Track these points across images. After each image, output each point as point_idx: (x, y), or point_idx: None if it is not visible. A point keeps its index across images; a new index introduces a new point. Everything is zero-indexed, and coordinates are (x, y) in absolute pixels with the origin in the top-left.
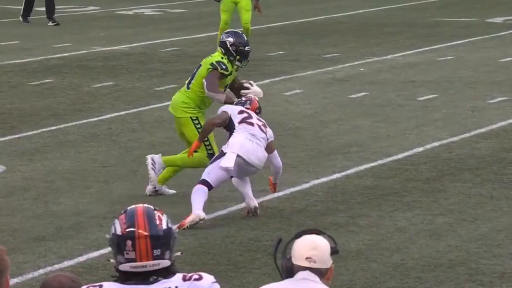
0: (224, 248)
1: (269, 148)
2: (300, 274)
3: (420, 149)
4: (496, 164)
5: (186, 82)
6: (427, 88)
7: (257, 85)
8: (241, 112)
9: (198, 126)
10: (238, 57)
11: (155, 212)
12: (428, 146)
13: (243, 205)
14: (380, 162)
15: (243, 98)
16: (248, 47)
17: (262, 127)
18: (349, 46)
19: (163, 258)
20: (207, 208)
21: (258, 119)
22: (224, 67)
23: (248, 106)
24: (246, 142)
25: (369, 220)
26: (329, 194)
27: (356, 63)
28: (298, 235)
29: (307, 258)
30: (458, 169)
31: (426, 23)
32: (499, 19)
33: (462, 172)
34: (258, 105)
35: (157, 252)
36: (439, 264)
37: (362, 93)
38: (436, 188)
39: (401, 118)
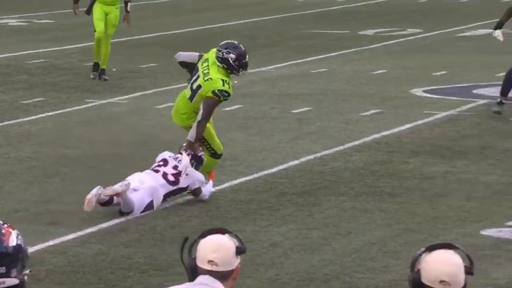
0: (95, 266)
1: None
2: (199, 279)
3: (295, 162)
4: (369, 177)
5: (188, 94)
6: (301, 101)
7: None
8: (159, 163)
9: None
10: (241, 69)
11: (3, 227)
12: (303, 159)
13: (115, 221)
14: (254, 175)
15: (179, 156)
16: (247, 56)
17: (170, 176)
18: None
19: (9, 276)
20: (77, 226)
21: (173, 167)
22: (226, 94)
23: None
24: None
25: (244, 235)
26: (203, 209)
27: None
28: (203, 235)
29: (209, 261)
30: (332, 182)
31: (299, 35)
32: (370, 32)
33: (337, 185)
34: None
35: (1, 269)
36: (314, 278)
37: (236, 106)
38: (311, 202)
39: (275, 131)
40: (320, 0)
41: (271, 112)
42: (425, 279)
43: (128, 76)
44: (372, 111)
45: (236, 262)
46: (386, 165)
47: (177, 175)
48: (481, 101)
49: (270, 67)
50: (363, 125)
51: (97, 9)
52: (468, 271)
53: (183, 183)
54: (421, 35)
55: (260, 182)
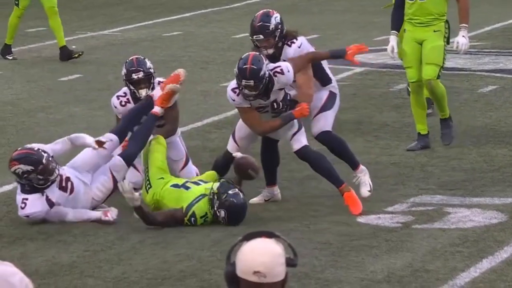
0: None
1: None
2: None
3: None
4: None
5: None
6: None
7: None
8: None
9: None
10: None
11: None
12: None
13: None
14: None
15: None
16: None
17: None
18: None
19: None
20: None
21: None
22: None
23: None
24: None
25: (86, 229)
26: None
27: (66, 39)
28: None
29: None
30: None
31: None
32: None
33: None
34: None
35: None
36: (167, 276)
37: (75, 76)
38: None
39: None
40: None
41: (117, 83)
42: (239, 271)
43: None
44: (235, 82)
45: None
46: None
47: None
48: (357, 69)
49: (114, 30)
50: (224, 98)
51: None
52: (291, 263)
53: None
54: None
55: None
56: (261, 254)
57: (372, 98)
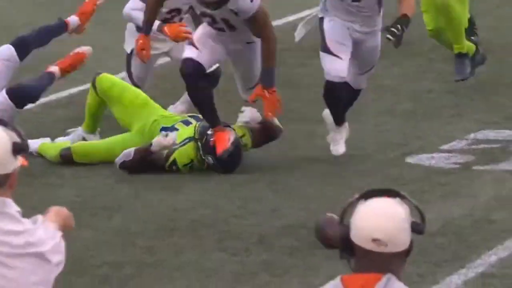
0: None
1: None
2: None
3: None
4: None
5: None
6: None
7: None
8: None
9: None
10: None
11: None
12: None
13: None
14: None
15: None
16: None
17: None
18: None
19: None
20: None
21: None
22: None
23: None
24: None
25: (76, 168)
26: None
27: None
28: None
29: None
30: None
31: None
32: None
33: None
34: None
35: None
36: (177, 227)
37: None
38: None
39: None
40: None
41: None
42: (354, 236)
43: None
44: None
45: (13, 164)
46: None
47: None
48: None
49: None
50: None
51: None
52: (417, 228)
53: None
54: None
55: None
56: (382, 218)
57: None
